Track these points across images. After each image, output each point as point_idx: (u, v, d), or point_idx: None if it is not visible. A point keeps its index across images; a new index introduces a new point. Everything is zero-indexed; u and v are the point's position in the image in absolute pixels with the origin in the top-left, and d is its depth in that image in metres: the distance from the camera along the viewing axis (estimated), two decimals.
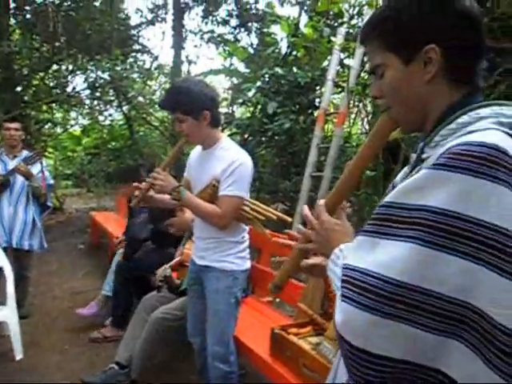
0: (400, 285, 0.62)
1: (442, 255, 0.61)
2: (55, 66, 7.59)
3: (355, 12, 4.10)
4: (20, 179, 3.31)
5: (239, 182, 1.85)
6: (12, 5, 6.57)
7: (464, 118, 0.71)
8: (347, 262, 0.72)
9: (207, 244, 1.96)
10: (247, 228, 2.05)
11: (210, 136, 1.93)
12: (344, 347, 0.67)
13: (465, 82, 0.77)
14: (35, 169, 3.37)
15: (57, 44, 6.70)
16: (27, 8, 6.77)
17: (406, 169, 0.90)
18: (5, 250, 3.13)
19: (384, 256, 0.65)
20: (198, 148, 2.06)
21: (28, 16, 6.80)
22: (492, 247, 0.59)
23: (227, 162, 1.84)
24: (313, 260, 0.98)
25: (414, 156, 0.84)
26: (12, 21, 6.68)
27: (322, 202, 0.91)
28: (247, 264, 2.03)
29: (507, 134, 0.65)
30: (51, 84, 7.75)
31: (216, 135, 1.95)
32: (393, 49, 0.78)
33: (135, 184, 1.94)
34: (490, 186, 0.60)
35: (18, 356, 2.80)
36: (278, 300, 3.21)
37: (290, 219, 2.12)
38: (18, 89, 6.85)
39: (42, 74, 7.46)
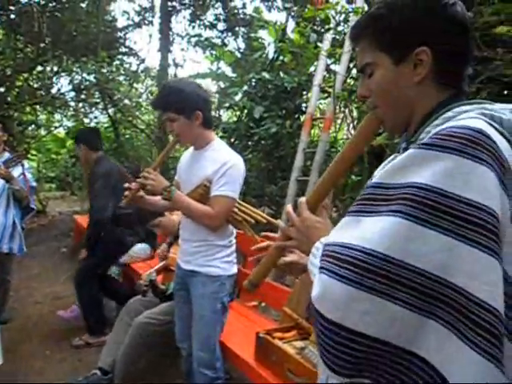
0: (381, 257, 0.62)
1: (424, 230, 0.61)
2: (40, 67, 7.49)
3: (341, 19, 4.14)
4: (0, 182, 3.25)
5: (232, 182, 1.84)
6: None
7: (448, 114, 0.73)
8: (328, 241, 0.71)
9: (195, 247, 1.93)
10: (235, 232, 2.04)
11: (201, 137, 1.92)
12: (318, 323, 0.66)
13: (452, 85, 0.79)
14: (16, 171, 3.31)
15: (41, 45, 6.63)
16: (11, 8, 6.67)
17: (382, 165, 0.91)
18: None
19: (368, 230, 0.65)
20: (189, 150, 2.05)
21: (12, 16, 6.70)
22: (473, 223, 0.60)
23: (220, 163, 1.83)
24: (290, 257, 0.98)
25: (396, 156, 0.84)
26: None
27: (303, 199, 0.90)
28: (234, 269, 2.00)
29: (489, 123, 0.68)
30: (35, 85, 7.64)
31: (208, 136, 1.94)
32: (384, 48, 0.79)
33: (126, 185, 1.92)
34: (473, 165, 0.62)
35: None
36: (263, 304, 3.20)
37: (278, 223, 2.11)
38: (1, 90, 6.74)
39: (25, 75, 7.35)
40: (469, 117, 0.69)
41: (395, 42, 0.78)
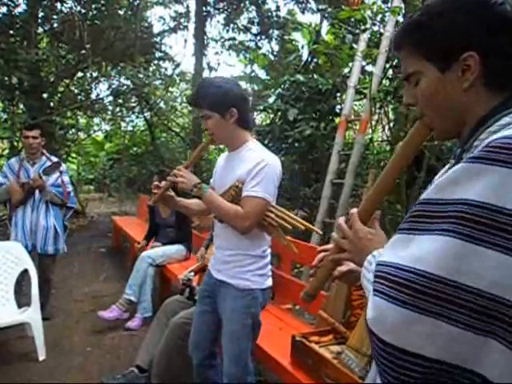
0: (435, 279, 0.60)
1: (478, 249, 0.59)
2: (80, 73, 7.79)
3: (378, 19, 4.08)
4: None
5: (264, 183, 1.72)
6: (40, 14, 6.77)
7: (505, 120, 0.70)
8: (380, 259, 0.70)
9: (226, 257, 1.85)
10: (269, 241, 1.91)
11: (236, 137, 1.83)
12: (376, 345, 0.65)
13: (504, 87, 0.75)
14: (53, 177, 3.44)
15: (82, 52, 6.88)
16: (54, 17, 6.97)
17: (440, 174, 0.88)
18: (29, 252, 3.20)
19: (418, 250, 0.64)
20: (225, 153, 2.00)
21: (55, 25, 7.00)
22: None
23: (253, 163, 1.73)
24: (345, 267, 0.98)
25: (452, 162, 0.82)
26: (40, 29, 6.88)
27: (354, 210, 0.89)
28: (268, 282, 1.88)
29: None
30: (76, 91, 7.95)
31: (243, 137, 1.84)
32: (428, 56, 0.76)
33: (156, 183, 1.86)
34: None
35: (41, 357, 2.85)
36: (297, 307, 3.19)
37: (320, 232, 2.03)
38: (45, 95, 7.04)
39: (67, 81, 7.66)
40: None
41: (439, 50, 0.75)
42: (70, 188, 3.59)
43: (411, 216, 0.69)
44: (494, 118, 0.72)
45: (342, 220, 0.92)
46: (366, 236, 0.85)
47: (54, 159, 3.54)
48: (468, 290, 0.59)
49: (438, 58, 0.75)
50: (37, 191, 3.38)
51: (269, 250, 1.91)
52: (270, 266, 1.91)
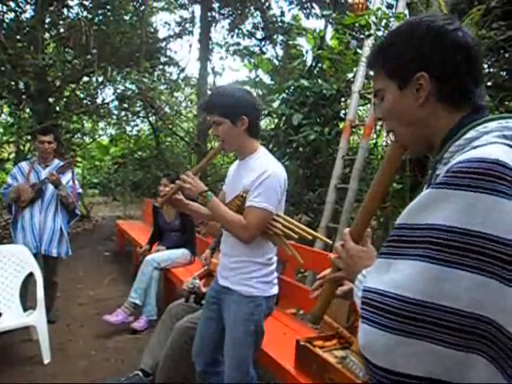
0: (414, 303, 0.64)
1: (452, 271, 0.62)
2: (86, 78, 7.84)
3: (382, 24, 4.08)
4: (50, 188, 3.42)
5: (267, 193, 1.73)
6: (47, 20, 6.84)
7: (471, 134, 0.74)
8: (366, 285, 0.75)
9: (232, 263, 1.86)
10: (275, 249, 1.91)
11: (245, 145, 1.86)
12: (370, 369, 0.69)
13: (463, 103, 0.81)
14: (65, 177, 3.47)
15: (88, 57, 6.92)
16: (61, 22, 7.04)
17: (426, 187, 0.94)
18: (35, 255, 3.22)
19: (397, 276, 0.68)
20: (238, 160, 2.00)
21: (62, 30, 7.06)
22: (500, 260, 0.61)
23: (258, 172, 1.75)
24: (346, 286, 1.03)
25: (429, 173, 0.86)
26: (46, 35, 6.94)
27: (346, 230, 0.97)
28: (273, 290, 1.88)
29: (510, 146, 0.68)
30: (82, 95, 8.00)
31: (253, 145, 1.87)
32: (390, 75, 0.86)
33: (164, 182, 1.89)
34: (490, 199, 0.62)
35: (46, 360, 2.86)
36: (301, 312, 3.18)
37: (329, 241, 2.04)
38: (51, 100, 7.09)
39: (73, 86, 7.71)
40: (487, 142, 0.69)
41: (398, 69, 0.84)
42: (79, 190, 3.66)
43: (389, 240, 0.73)
44: (461, 132, 0.76)
45: (338, 243, 0.98)
46: (357, 254, 0.92)
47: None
48: (447, 310, 0.62)
49: (397, 77, 0.85)
50: (47, 192, 3.41)
51: (275, 258, 1.91)
52: (275, 274, 1.92)
